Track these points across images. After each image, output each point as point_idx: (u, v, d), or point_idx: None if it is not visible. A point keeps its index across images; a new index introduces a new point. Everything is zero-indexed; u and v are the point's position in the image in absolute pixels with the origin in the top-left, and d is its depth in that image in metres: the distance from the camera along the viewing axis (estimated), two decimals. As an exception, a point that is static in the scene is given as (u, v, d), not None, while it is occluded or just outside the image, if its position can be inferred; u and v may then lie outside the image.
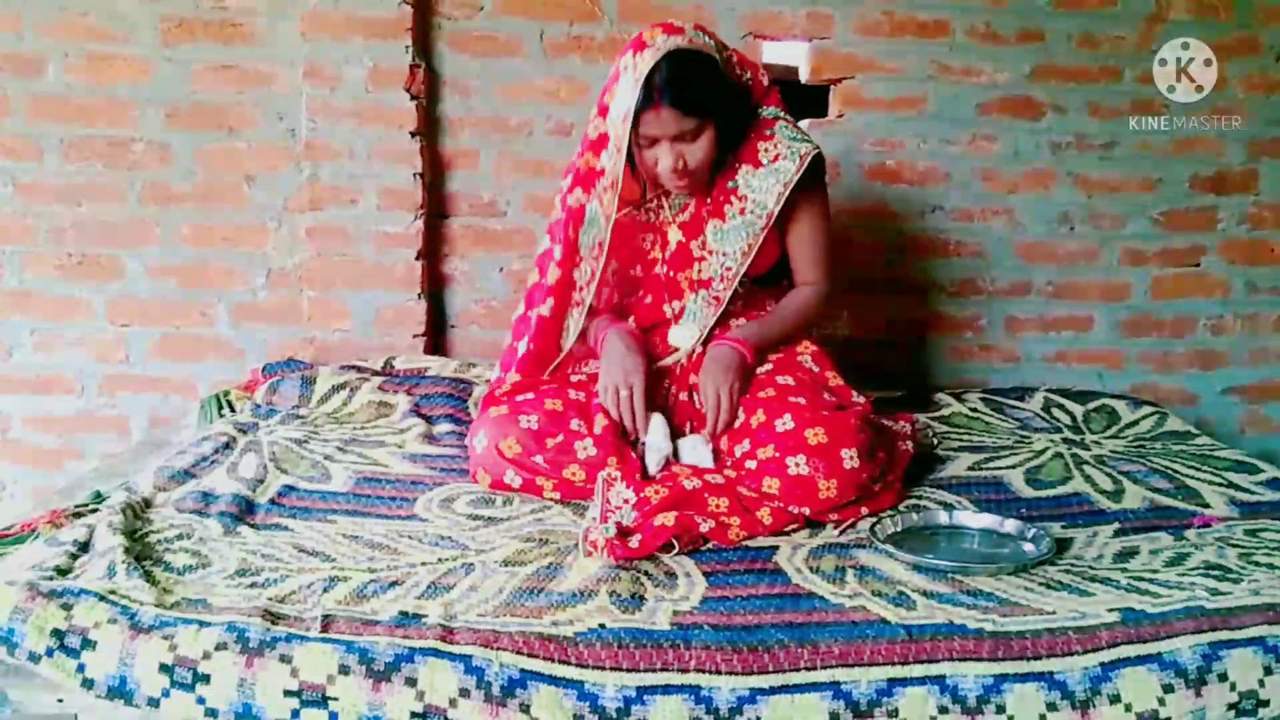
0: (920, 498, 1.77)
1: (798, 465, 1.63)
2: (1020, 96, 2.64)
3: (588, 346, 1.92)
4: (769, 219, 1.84)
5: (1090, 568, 1.46)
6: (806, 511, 1.63)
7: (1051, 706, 1.16)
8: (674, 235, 1.91)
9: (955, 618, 1.26)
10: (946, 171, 2.66)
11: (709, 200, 1.88)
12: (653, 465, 1.72)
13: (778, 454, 1.65)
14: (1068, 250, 2.72)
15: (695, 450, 1.75)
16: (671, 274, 1.91)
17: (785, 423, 1.68)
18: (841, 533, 1.61)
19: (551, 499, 1.72)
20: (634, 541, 1.46)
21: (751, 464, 1.67)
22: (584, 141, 1.84)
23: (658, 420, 1.77)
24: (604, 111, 1.80)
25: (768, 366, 1.85)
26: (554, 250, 1.86)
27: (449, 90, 2.55)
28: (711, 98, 1.74)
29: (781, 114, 1.90)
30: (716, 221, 1.87)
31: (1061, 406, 2.34)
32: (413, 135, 2.48)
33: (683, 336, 1.90)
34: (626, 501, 1.56)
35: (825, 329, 2.63)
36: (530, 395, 1.83)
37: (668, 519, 1.51)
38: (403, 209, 2.50)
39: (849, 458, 1.64)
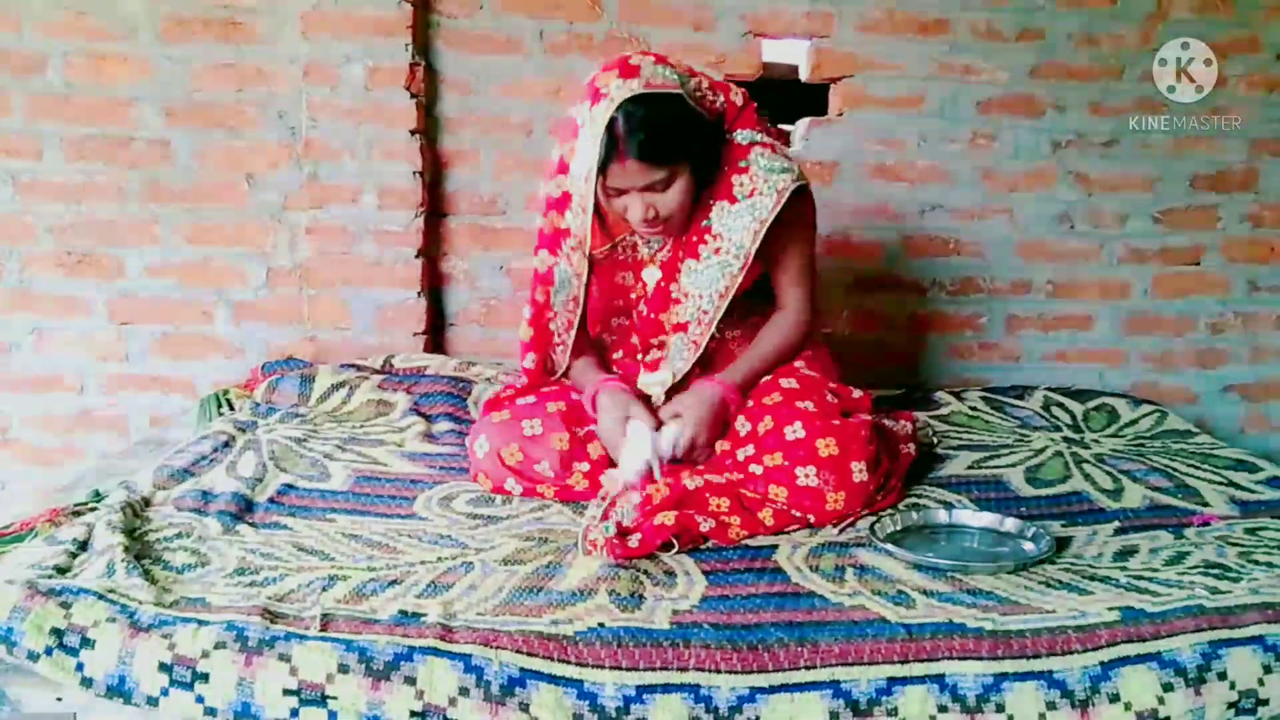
0: (920, 496, 1.77)
1: (807, 476, 1.62)
2: (1021, 95, 2.63)
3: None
4: (746, 259, 1.73)
5: (1090, 566, 1.46)
6: (811, 519, 1.63)
7: (1051, 705, 1.16)
8: (651, 276, 1.83)
9: (955, 616, 1.26)
10: (947, 170, 2.66)
11: (684, 240, 1.79)
12: (631, 474, 1.64)
13: (787, 463, 1.63)
14: (1068, 249, 2.72)
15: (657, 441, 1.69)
16: (652, 315, 1.85)
17: (795, 431, 1.66)
18: (841, 531, 1.60)
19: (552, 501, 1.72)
20: (633, 541, 1.46)
21: (757, 469, 1.66)
22: (546, 201, 1.76)
23: (637, 430, 1.70)
24: (564, 168, 1.71)
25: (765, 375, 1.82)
26: (527, 309, 1.82)
27: (449, 89, 2.55)
28: (680, 141, 1.64)
29: (758, 137, 1.78)
30: (691, 262, 1.77)
31: (1061, 405, 2.34)
32: (412, 134, 2.48)
33: (651, 382, 1.83)
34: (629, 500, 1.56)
35: (825, 328, 2.63)
36: (532, 399, 1.83)
37: (668, 518, 1.51)
38: (402, 207, 2.50)
39: (859, 471, 1.63)
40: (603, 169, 1.62)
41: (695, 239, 1.76)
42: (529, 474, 1.73)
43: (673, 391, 1.81)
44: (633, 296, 1.86)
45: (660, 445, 1.69)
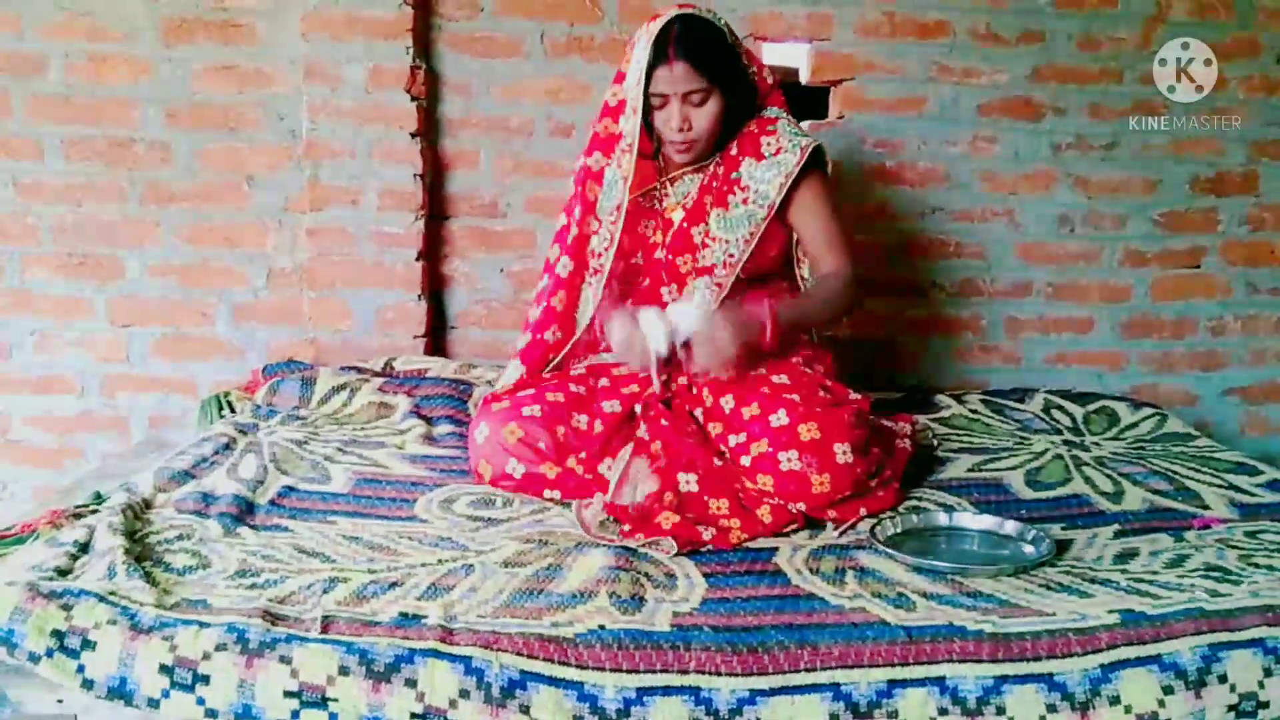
0: (920, 499, 1.77)
1: (790, 461, 1.63)
2: (1021, 97, 2.63)
3: (594, 336, 1.93)
4: (771, 208, 1.86)
5: (1090, 569, 1.46)
6: (803, 508, 1.63)
7: (1051, 708, 1.16)
8: (676, 217, 1.93)
9: (955, 619, 1.26)
10: (947, 172, 2.66)
11: (713, 189, 1.91)
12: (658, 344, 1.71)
13: (770, 449, 1.65)
14: (1068, 251, 2.72)
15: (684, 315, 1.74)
16: (671, 258, 1.93)
17: (779, 418, 1.68)
18: (841, 534, 1.61)
19: (551, 499, 1.73)
20: (632, 534, 1.51)
21: (746, 460, 1.68)
22: (603, 108, 1.91)
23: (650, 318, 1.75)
24: (620, 78, 1.88)
25: (761, 370, 1.82)
26: (574, 210, 1.94)
27: (449, 91, 2.55)
28: (719, 63, 1.81)
29: (784, 114, 1.95)
30: (720, 210, 1.89)
31: (1061, 408, 2.34)
32: (413, 136, 2.48)
33: (681, 313, 1.86)
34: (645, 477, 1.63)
35: (826, 330, 2.62)
36: (531, 391, 1.84)
37: (667, 520, 1.52)
38: (403, 209, 2.50)
39: (842, 453, 1.64)
40: (651, 71, 1.78)
41: (725, 189, 1.90)
42: (529, 454, 1.74)
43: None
44: (652, 242, 1.95)
45: (676, 320, 1.73)
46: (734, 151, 1.91)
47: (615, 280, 1.94)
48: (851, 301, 1.91)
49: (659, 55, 1.78)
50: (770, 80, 1.98)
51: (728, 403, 1.76)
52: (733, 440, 1.72)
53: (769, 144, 1.89)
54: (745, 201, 1.88)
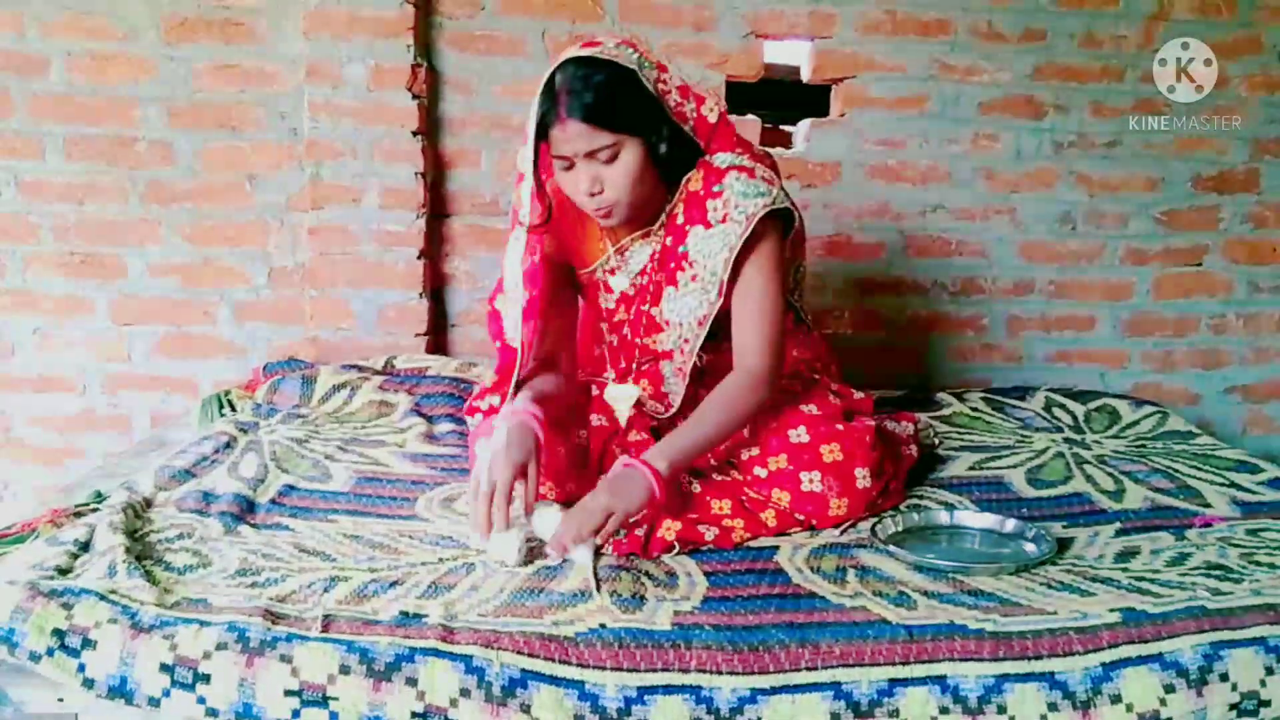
0: (921, 497, 1.77)
1: (812, 482, 1.62)
2: (1022, 96, 2.63)
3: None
4: (721, 289, 1.62)
5: (1091, 568, 1.46)
6: (814, 523, 1.63)
7: (1053, 707, 1.16)
8: (618, 284, 1.75)
9: (956, 618, 1.26)
10: (948, 171, 2.66)
11: (665, 265, 1.69)
12: (511, 558, 1.44)
13: (791, 467, 1.63)
14: (1069, 250, 2.72)
15: (544, 521, 1.50)
16: (633, 338, 1.77)
17: (800, 435, 1.66)
18: (842, 533, 1.61)
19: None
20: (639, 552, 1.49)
21: (761, 471, 1.66)
22: (518, 177, 1.66)
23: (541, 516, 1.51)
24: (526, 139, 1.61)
25: None
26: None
27: (450, 89, 2.55)
28: (623, 108, 1.52)
29: (738, 160, 1.64)
30: (670, 289, 1.67)
31: (1063, 406, 2.34)
32: (414, 134, 2.48)
33: (619, 396, 1.75)
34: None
35: (827, 328, 2.63)
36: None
37: (670, 532, 1.51)
38: (404, 208, 2.50)
39: (862, 477, 1.63)
40: (544, 133, 1.53)
41: (674, 265, 1.66)
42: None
43: (676, 416, 1.74)
44: (617, 320, 1.79)
45: (536, 525, 1.50)
46: (680, 219, 1.65)
47: (589, 344, 1.87)
48: (754, 409, 1.62)
49: (550, 113, 1.50)
50: (714, 116, 1.67)
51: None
52: (744, 454, 1.69)
53: (715, 208, 1.61)
54: (694, 279, 1.63)
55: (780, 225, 1.65)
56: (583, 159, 1.53)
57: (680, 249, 1.65)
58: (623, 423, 1.75)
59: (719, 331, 1.67)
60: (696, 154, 1.64)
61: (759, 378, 1.61)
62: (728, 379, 1.63)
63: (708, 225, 1.62)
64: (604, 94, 1.50)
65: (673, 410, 1.75)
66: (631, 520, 1.48)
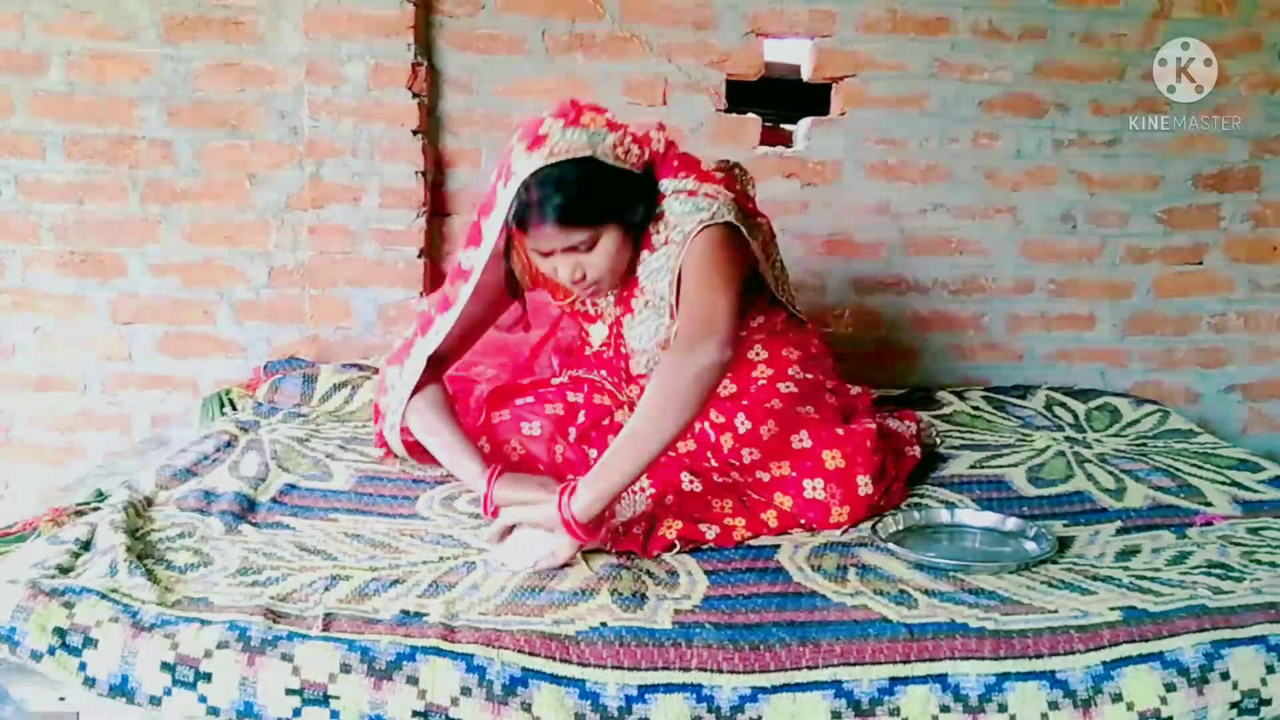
0: (922, 496, 1.77)
1: (814, 489, 1.62)
2: (1023, 94, 2.63)
3: (571, 344, 1.95)
4: (671, 310, 1.61)
5: (1092, 566, 1.46)
6: (814, 527, 1.63)
7: (1053, 705, 1.16)
8: (599, 333, 1.78)
9: (957, 616, 1.26)
10: (949, 169, 2.65)
11: (620, 297, 1.71)
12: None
13: (794, 474, 1.64)
14: (1070, 248, 2.72)
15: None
16: (622, 365, 1.79)
17: (801, 440, 1.66)
18: (843, 532, 1.61)
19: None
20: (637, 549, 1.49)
21: (764, 475, 1.66)
22: (455, 268, 1.65)
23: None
24: (476, 239, 1.60)
25: (762, 368, 1.76)
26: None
27: (451, 88, 2.55)
28: (594, 202, 1.53)
29: (681, 185, 1.63)
30: (628, 318, 1.70)
31: (1064, 405, 2.34)
32: (414, 133, 2.48)
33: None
34: (641, 490, 1.57)
35: (828, 327, 2.63)
36: (531, 399, 1.83)
37: (671, 530, 1.51)
38: (404, 207, 2.50)
39: (864, 484, 1.64)
40: (522, 231, 1.54)
41: (628, 294, 1.68)
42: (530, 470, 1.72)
43: None
44: (606, 356, 1.81)
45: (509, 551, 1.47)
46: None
47: (567, 363, 1.93)
48: (697, 400, 1.44)
49: (522, 222, 1.52)
50: (662, 145, 1.67)
51: (742, 424, 1.69)
52: (746, 456, 1.69)
53: (659, 231, 1.61)
54: (647, 305, 1.65)
55: (729, 230, 1.60)
56: (561, 252, 1.55)
57: (632, 277, 1.66)
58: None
59: None
60: (654, 199, 1.63)
61: (699, 364, 1.43)
62: (655, 372, 1.54)
63: (652, 250, 1.62)
64: (572, 194, 1.50)
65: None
66: (639, 510, 1.51)
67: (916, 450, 1.88)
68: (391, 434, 1.70)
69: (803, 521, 1.62)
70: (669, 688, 1.15)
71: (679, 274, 1.58)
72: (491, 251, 1.57)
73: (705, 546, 1.53)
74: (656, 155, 1.66)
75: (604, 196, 1.54)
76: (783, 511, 1.62)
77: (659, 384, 1.45)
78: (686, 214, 1.59)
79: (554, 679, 1.15)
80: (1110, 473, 1.88)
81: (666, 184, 1.64)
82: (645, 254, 1.63)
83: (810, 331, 1.90)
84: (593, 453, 1.75)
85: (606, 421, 1.79)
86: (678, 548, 1.50)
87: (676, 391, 1.42)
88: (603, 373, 1.86)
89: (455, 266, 1.65)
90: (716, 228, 1.58)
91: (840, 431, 1.67)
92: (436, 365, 1.70)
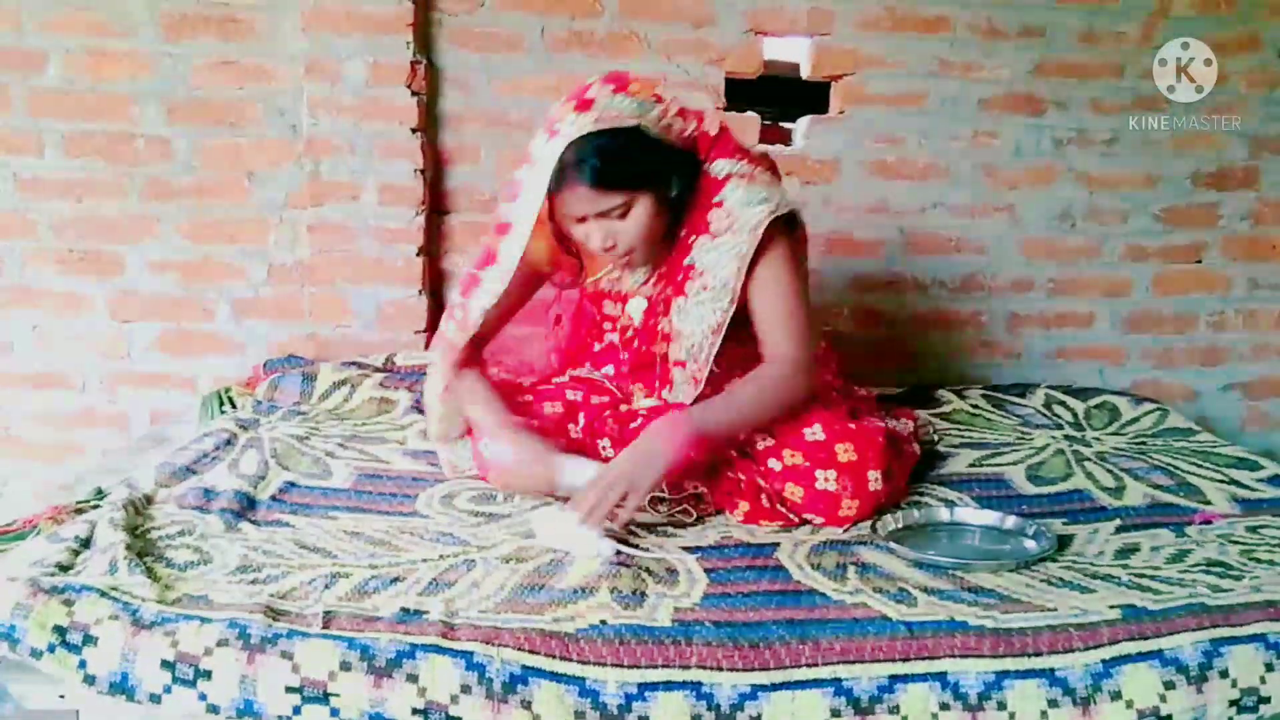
0: (922, 494, 1.77)
1: (826, 481, 1.62)
2: (1022, 92, 2.63)
3: (571, 347, 1.96)
4: (734, 297, 1.64)
5: (1091, 564, 1.47)
6: (820, 521, 1.63)
7: (1053, 703, 1.16)
8: (637, 307, 1.76)
9: (956, 614, 1.26)
10: (948, 168, 2.65)
11: (671, 277, 1.70)
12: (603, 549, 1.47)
13: (807, 464, 1.63)
14: (1069, 246, 2.72)
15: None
16: (642, 348, 1.78)
17: (815, 432, 1.65)
18: (845, 530, 1.61)
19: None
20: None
21: (775, 464, 1.66)
22: (495, 226, 1.68)
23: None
24: (514, 191, 1.63)
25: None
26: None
27: (450, 86, 2.55)
28: (633, 169, 1.56)
29: (736, 167, 1.67)
30: (680, 300, 1.68)
31: (1063, 403, 2.34)
32: (414, 131, 2.48)
33: (642, 408, 1.78)
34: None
35: (827, 325, 2.63)
36: (529, 399, 1.83)
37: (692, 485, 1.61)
38: (404, 205, 2.50)
39: (874, 479, 1.63)
40: (558, 191, 1.56)
41: (681, 277, 1.68)
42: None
43: None
44: (621, 324, 1.81)
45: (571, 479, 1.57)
46: (683, 232, 1.67)
47: (582, 350, 1.94)
48: (795, 395, 1.64)
49: (560, 181, 1.54)
50: (713, 130, 1.71)
51: None
52: (760, 444, 1.68)
53: (717, 217, 1.63)
54: (705, 288, 1.65)
55: (785, 222, 1.66)
56: (595, 218, 1.58)
57: (685, 261, 1.67)
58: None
59: (729, 341, 1.68)
60: (698, 176, 1.67)
61: (792, 366, 1.64)
62: (759, 368, 1.66)
63: (712, 235, 1.64)
64: (610, 157, 1.53)
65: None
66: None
67: (915, 447, 1.88)
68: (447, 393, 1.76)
69: (809, 517, 1.62)
70: (669, 685, 1.15)
71: (749, 267, 1.62)
72: (535, 210, 1.58)
73: (705, 545, 1.53)
74: (706, 136, 1.70)
75: (642, 165, 1.57)
76: (792, 504, 1.63)
77: (762, 385, 1.63)
78: (750, 203, 1.63)
79: (554, 677, 1.15)
80: (1109, 471, 1.88)
81: (721, 165, 1.67)
82: (703, 239, 1.64)
83: (819, 334, 1.93)
84: (602, 442, 1.76)
85: (608, 414, 1.79)
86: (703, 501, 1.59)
87: (776, 397, 1.63)
88: (607, 369, 1.86)
89: (494, 222, 1.69)
90: (788, 231, 1.66)
91: (852, 426, 1.68)
92: (474, 349, 1.78)
